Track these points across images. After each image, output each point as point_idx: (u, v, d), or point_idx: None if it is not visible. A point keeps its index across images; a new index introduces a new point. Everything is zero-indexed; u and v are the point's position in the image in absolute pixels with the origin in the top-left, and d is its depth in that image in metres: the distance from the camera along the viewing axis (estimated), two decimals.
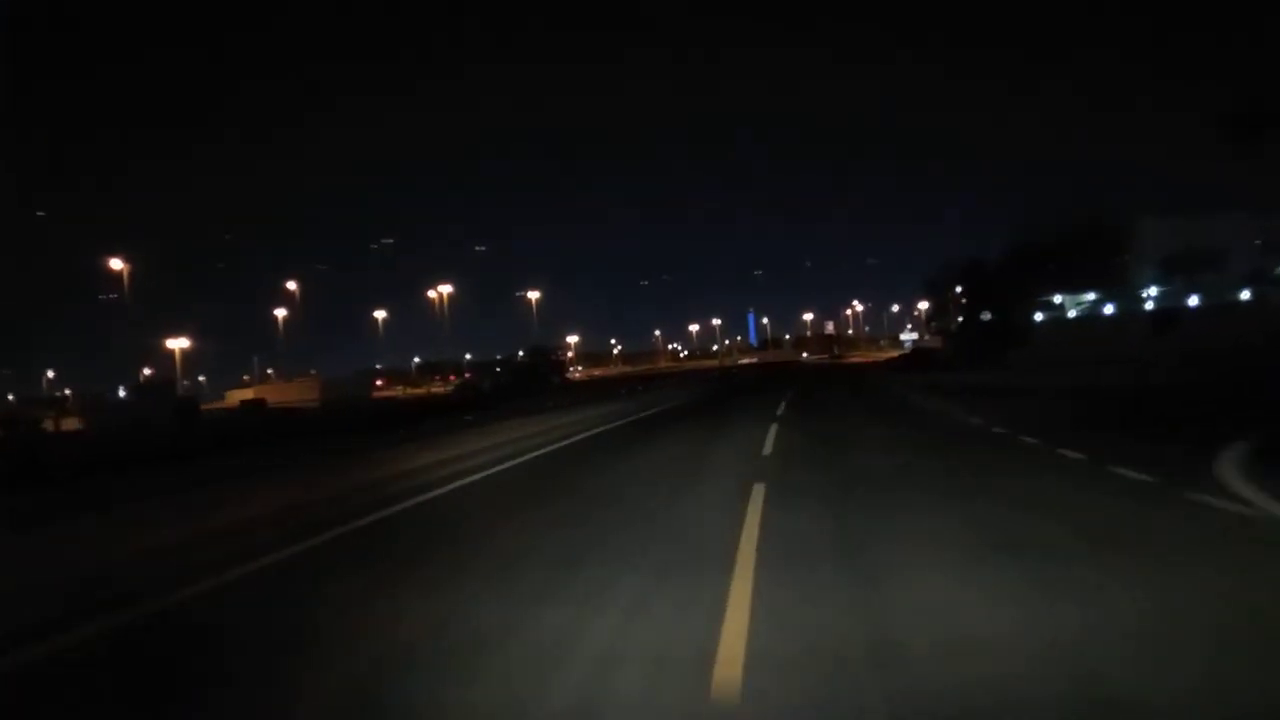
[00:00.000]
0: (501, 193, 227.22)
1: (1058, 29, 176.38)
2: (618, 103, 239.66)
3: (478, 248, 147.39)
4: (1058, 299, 34.56)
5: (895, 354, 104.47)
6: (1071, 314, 32.62)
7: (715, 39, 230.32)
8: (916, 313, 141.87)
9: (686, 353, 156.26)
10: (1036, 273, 32.61)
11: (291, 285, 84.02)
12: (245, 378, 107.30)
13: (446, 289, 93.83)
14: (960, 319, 40.23)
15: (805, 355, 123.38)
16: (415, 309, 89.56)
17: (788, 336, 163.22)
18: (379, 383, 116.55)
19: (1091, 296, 32.44)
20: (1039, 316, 32.45)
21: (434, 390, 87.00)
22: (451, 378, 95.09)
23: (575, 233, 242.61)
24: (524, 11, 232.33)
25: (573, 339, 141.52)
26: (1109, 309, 30.10)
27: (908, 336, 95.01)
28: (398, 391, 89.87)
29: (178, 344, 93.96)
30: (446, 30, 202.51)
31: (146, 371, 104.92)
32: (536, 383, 65.87)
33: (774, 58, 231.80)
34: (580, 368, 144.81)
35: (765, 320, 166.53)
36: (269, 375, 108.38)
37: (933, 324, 53.70)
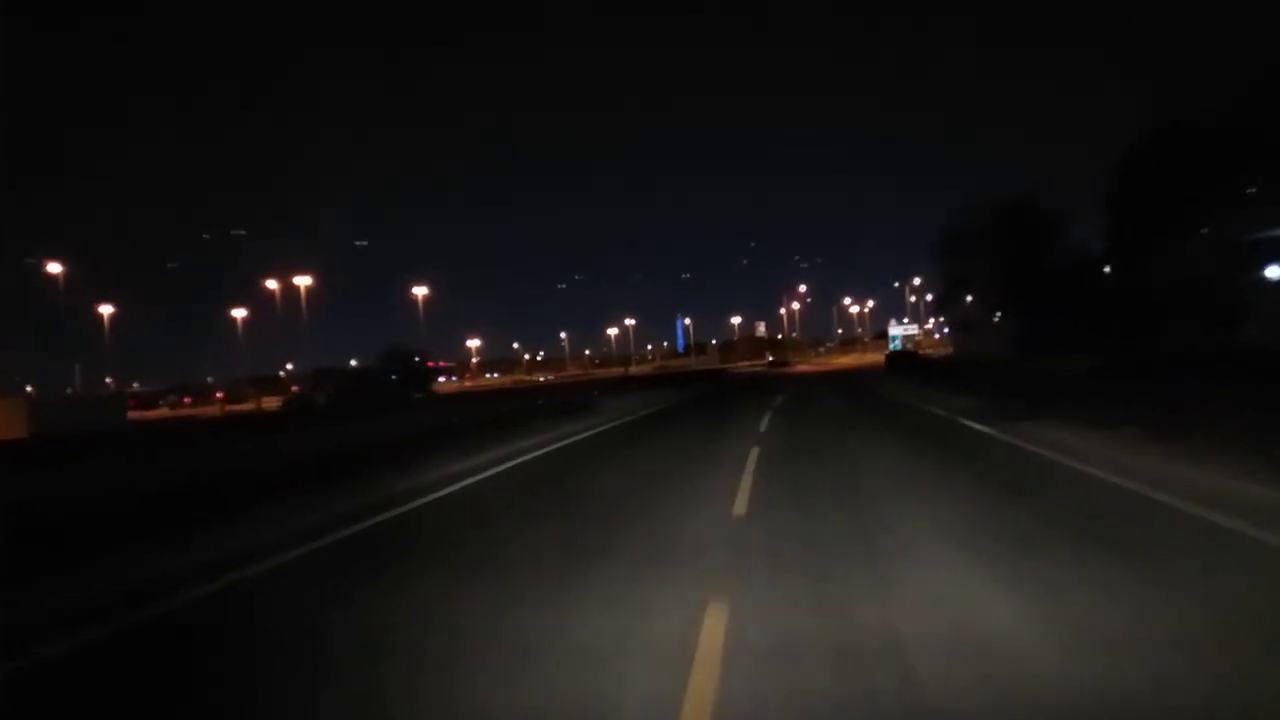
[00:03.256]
0: (419, 194, 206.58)
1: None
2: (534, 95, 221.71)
3: (358, 243, 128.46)
4: None
5: (848, 359, 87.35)
6: None
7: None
8: (863, 310, 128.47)
9: (599, 360, 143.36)
10: (1223, 176, 16.05)
11: (53, 270, 62.74)
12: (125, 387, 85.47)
13: (304, 281, 75.11)
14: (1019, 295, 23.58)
15: (771, 358, 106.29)
16: (318, 312, 68.85)
17: (714, 341, 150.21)
18: (218, 395, 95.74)
19: None
20: (1274, 272, 15.89)
21: (265, 406, 66.89)
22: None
23: (514, 233, 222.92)
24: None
25: (474, 343, 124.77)
26: None
27: (898, 330, 72.85)
28: (216, 409, 69.35)
29: None
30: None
31: None
32: (392, 396, 48.04)
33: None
34: (495, 374, 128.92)
35: (689, 321, 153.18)
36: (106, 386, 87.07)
37: (969, 314, 37.84)
